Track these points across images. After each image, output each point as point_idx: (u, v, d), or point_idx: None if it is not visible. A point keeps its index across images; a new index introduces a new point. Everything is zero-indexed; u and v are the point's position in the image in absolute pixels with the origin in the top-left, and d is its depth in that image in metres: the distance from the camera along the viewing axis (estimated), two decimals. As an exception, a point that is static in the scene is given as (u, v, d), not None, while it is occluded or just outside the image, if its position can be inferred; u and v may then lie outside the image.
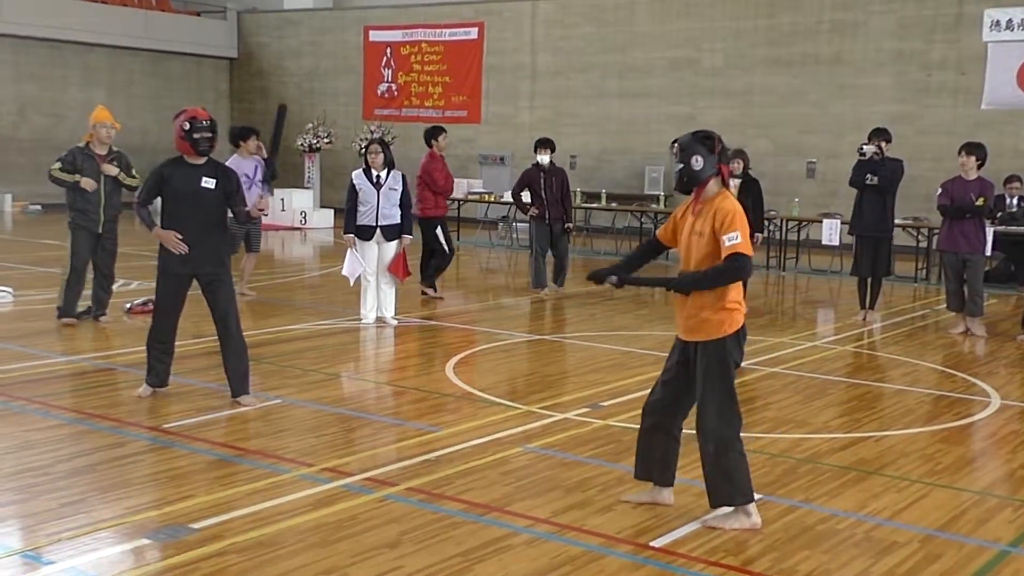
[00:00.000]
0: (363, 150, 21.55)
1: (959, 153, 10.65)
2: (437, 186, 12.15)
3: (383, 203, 10.14)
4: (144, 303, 10.61)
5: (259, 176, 11.38)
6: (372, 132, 22.56)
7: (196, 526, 4.84)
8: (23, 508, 5.08)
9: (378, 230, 10.19)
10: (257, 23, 27.24)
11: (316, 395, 7.45)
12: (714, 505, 4.97)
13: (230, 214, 7.25)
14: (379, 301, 10.37)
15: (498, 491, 5.47)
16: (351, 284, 10.51)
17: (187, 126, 6.87)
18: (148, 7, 25.99)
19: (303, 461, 5.91)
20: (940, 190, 10.74)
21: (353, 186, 10.22)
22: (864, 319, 11.35)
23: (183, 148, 6.95)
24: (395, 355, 9.42)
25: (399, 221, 10.25)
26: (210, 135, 6.92)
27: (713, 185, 4.87)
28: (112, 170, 9.94)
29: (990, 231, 11.17)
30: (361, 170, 10.32)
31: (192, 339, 9.29)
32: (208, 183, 6.97)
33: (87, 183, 9.82)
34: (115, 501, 5.16)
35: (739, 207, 4.83)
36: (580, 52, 22.29)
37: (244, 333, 7.33)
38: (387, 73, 24.90)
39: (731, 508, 4.95)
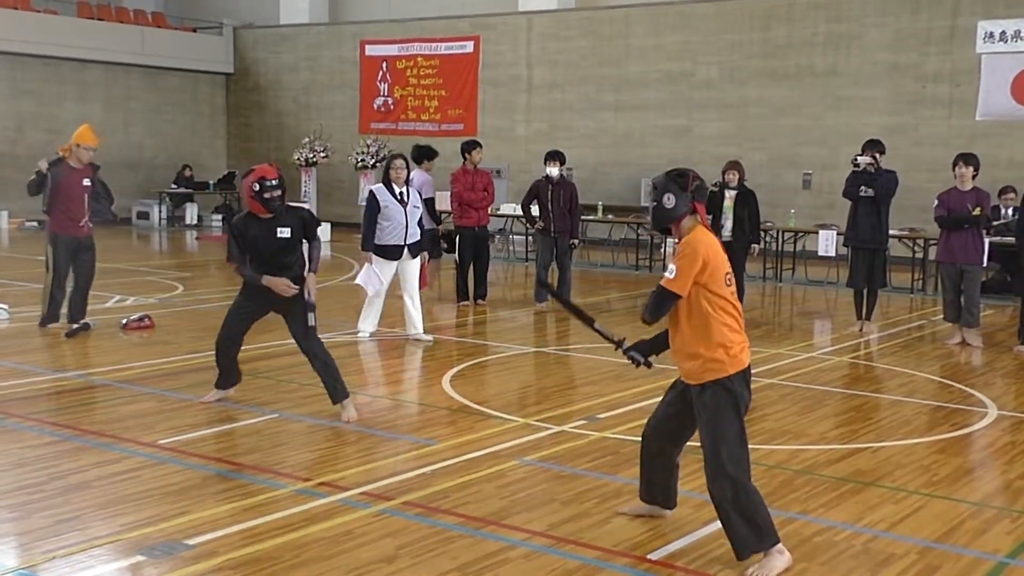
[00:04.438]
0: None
1: (955, 165, 10.66)
2: (459, 198, 12.67)
3: (410, 221, 9.94)
4: (140, 319, 10.62)
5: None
6: (368, 146, 22.56)
7: (191, 542, 4.82)
8: (18, 526, 5.06)
9: (405, 249, 9.98)
10: (253, 38, 27.29)
11: (312, 409, 7.43)
12: (743, 556, 4.63)
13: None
14: (410, 319, 10.15)
15: (495, 504, 5.46)
16: (369, 293, 10.20)
17: (256, 187, 6.95)
18: (144, 23, 26.04)
19: (299, 476, 5.89)
20: (936, 202, 10.75)
21: (376, 201, 9.89)
22: (860, 330, 11.35)
23: (255, 208, 7.04)
24: (392, 368, 9.41)
25: (419, 238, 10.16)
26: (280, 192, 7.02)
27: (688, 222, 4.74)
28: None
29: (986, 242, 11.18)
30: (381, 185, 10.03)
31: (187, 354, 9.28)
32: (284, 233, 7.05)
33: (42, 164, 10.25)
34: (110, 518, 5.15)
35: (701, 244, 4.60)
36: (576, 65, 22.34)
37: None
38: (383, 87, 24.95)
39: (761, 555, 4.65)
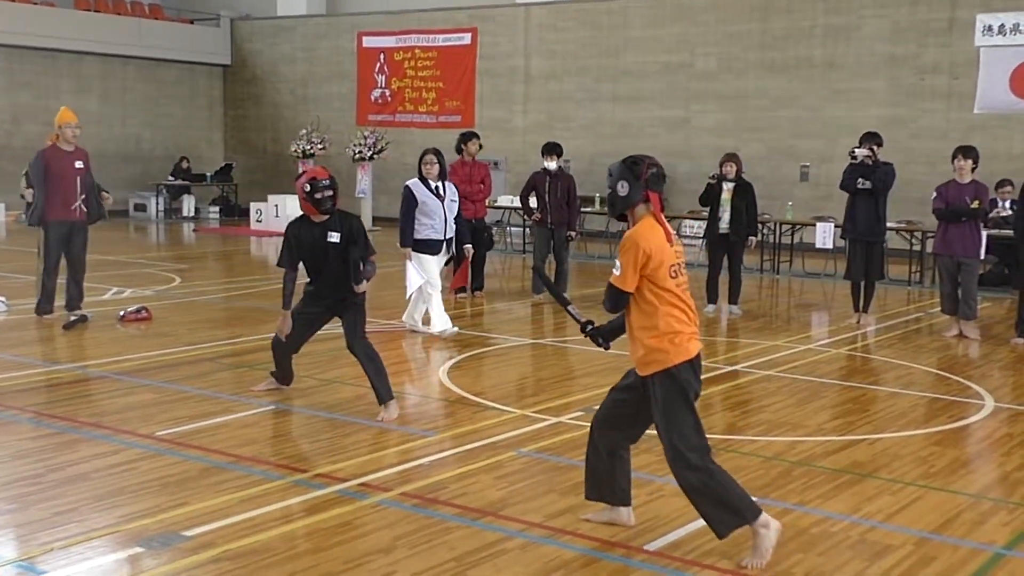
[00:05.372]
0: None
1: (954, 157, 10.66)
2: None
3: (448, 215, 9.83)
4: (137, 311, 10.61)
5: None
6: (366, 137, 22.54)
7: (189, 533, 4.83)
8: (16, 517, 5.06)
9: (445, 243, 9.88)
10: (250, 30, 27.23)
11: (309, 401, 7.44)
12: (723, 536, 4.64)
13: None
14: (412, 309, 10.09)
15: (492, 495, 5.47)
16: (408, 291, 10.04)
17: (308, 188, 6.95)
18: (141, 15, 25.97)
19: (296, 467, 5.90)
20: (935, 194, 10.75)
21: (413, 197, 9.75)
22: (858, 322, 11.36)
23: (307, 209, 7.05)
24: (389, 360, 9.34)
25: (455, 232, 10.08)
26: (331, 193, 7.02)
27: (640, 211, 4.72)
28: (109, 200, 10.84)
29: (984, 235, 11.19)
30: (416, 180, 9.87)
31: (185, 346, 9.29)
32: (334, 237, 7.06)
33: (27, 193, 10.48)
34: (108, 509, 5.15)
35: (642, 238, 4.58)
36: (573, 56, 22.31)
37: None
38: (380, 79, 24.91)
39: (747, 529, 4.62)
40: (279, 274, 7.35)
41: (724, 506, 4.59)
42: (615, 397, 4.94)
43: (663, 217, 4.74)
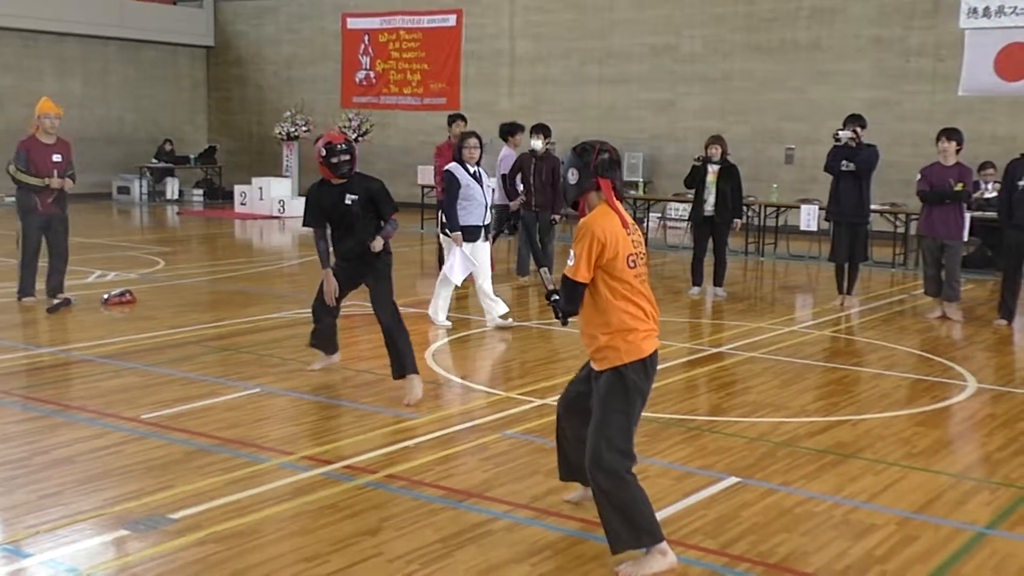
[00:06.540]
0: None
1: (938, 139, 10.69)
2: (442, 172, 12.35)
3: (488, 200, 9.65)
4: (121, 294, 10.58)
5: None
6: (350, 120, 22.44)
7: (175, 516, 4.83)
8: (1, 501, 5.05)
9: (483, 230, 9.67)
10: (234, 11, 27.04)
11: (295, 384, 7.43)
12: (616, 551, 4.38)
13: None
14: (488, 305, 9.80)
15: (478, 477, 5.48)
16: (456, 281, 9.71)
17: (324, 152, 7.08)
18: (124, -5, 25.75)
19: (282, 450, 5.90)
20: (919, 176, 10.79)
21: (457, 181, 9.46)
22: (842, 304, 11.41)
23: (324, 173, 7.18)
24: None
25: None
26: (348, 157, 7.11)
27: (593, 199, 4.55)
28: (57, 183, 10.37)
29: (967, 217, 11.23)
30: (456, 164, 9.57)
31: (169, 329, 9.26)
32: (351, 199, 7.13)
33: (56, 183, 10.27)
34: (93, 492, 5.15)
35: (596, 226, 4.37)
36: (559, 38, 22.25)
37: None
38: (365, 61, 24.79)
39: (643, 551, 4.39)
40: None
41: (625, 521, 4.34)
42: (576, 389, 4.82)
43: (619, 204, 4.54)
